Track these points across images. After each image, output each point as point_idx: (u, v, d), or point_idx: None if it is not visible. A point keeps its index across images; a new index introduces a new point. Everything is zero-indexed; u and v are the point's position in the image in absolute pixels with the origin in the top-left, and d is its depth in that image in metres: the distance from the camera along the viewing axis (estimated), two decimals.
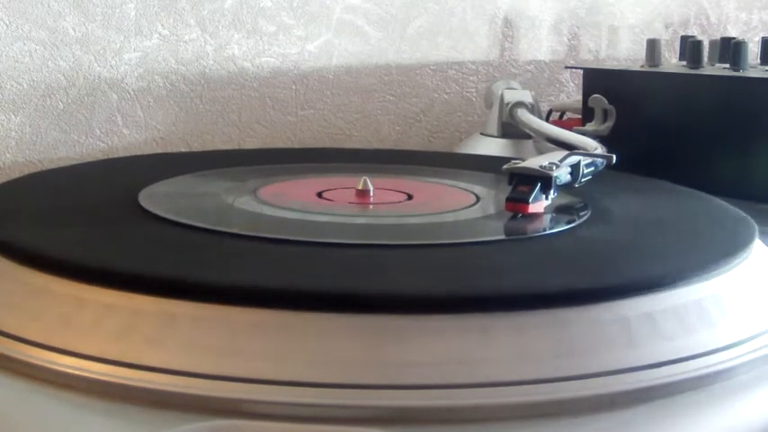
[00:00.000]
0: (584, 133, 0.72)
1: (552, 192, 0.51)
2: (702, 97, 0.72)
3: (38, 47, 0.75)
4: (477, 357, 0.35)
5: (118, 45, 0.78)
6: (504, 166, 0.52)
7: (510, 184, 0.51)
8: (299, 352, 0.34)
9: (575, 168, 0.54)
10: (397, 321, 0.35)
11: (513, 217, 0.49)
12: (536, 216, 0.50)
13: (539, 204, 0.50)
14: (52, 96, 0.77)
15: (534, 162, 0.52)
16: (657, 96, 0.75)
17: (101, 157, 0.78)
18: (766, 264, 0.46)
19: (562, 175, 0.52)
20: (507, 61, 0.96)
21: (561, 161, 0.53)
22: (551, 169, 0.51)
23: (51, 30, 0.76)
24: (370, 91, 0.89)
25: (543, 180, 0.50)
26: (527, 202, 0.49)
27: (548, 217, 0.50)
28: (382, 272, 0.40)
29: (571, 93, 0.99)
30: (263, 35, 0.84)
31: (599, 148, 0.61)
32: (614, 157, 0.57)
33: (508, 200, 0.50)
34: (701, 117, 0.71)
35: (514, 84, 0.86)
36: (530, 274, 0.41)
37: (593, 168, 0.56)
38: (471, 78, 0.94)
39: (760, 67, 0.74)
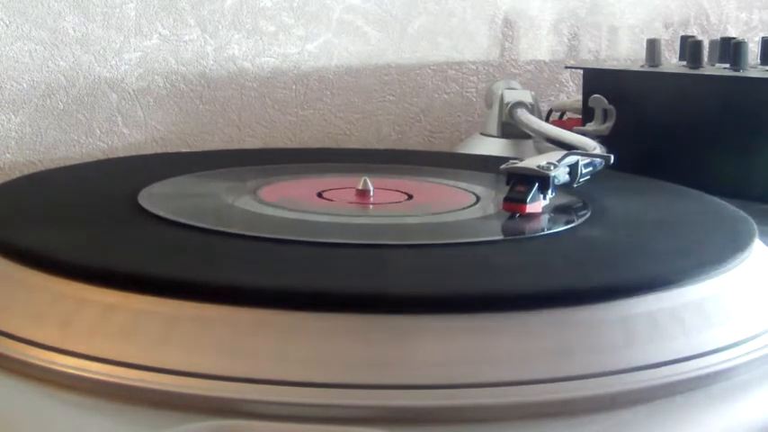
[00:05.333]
0: (584, 133, 0.72)
1: (550, 192, 0.51)
2: (702, 97, 0.72)
3: (38, 47, 0.75)
4: (478, 357, 0.35)
5: (118, 45, 0.78)
6: (502, 166, 0.52)
7: (508, 184, 0.51)
8: (299, 352, 0.34)
9: (573, 168, 0.54)
10: (397, 321, 0.35)
11: (512, 217, 0.49)
12: (535, 216, 0.50)
13: (536, 204, 0.50)
14: (52, 96, 0.77)
15: (532, 162, 0.52)
16: (657, 96, 0.75)
17: (101, 157, 0.78)
18: (766, 264, 0.46)
19: (560, 174, 0.52)
20: (507, 61, 0.96)
21: (559, 161, 0.53)
22: (549, 169, 0.51)
23: (51, 30, 0.76)
24: (370, 91, 0.89)
25: (541, 180, 0.50)
26: (525, 202, 0.49)
27: (547, 217, 0.50)
28: (382, 272, 0.40)
29: (571, 93, 0.99)
30: (263, 35, 0.84)
31: (598, 148, 0.61)
32: (612, 157, 0.57)
33: (506, 200, 0.50)
34: (701, 117, 0.71)
35: (514, 84, 0.86)
36: (530, 274, 0.41)
37: (591, 168, 0.56)
38: (471, 78, 0.94)
39: (760, 67, 0.74)
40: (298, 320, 0.35)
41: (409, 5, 0.90)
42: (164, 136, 0.81)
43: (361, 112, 0.89)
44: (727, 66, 0.73)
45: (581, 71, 0.83)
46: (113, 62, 0.78)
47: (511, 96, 0.82)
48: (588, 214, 0.50)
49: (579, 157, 0.55)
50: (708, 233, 0.49)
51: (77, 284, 0.38)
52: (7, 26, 0.74)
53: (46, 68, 0.76)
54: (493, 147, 0.81)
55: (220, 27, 0.82)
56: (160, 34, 0.80)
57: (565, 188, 0.54)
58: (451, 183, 0.60)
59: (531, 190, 0.50)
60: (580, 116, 0.81)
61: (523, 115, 0.80)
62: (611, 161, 0.57)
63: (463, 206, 0.54)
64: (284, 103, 0.86)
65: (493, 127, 0.82)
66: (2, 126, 0.75)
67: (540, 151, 0.76)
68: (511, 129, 0.81)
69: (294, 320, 0.35)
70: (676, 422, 0.34)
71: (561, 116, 0.89)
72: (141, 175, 0.57)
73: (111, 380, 0.34)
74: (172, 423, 0.33)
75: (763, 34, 0.90)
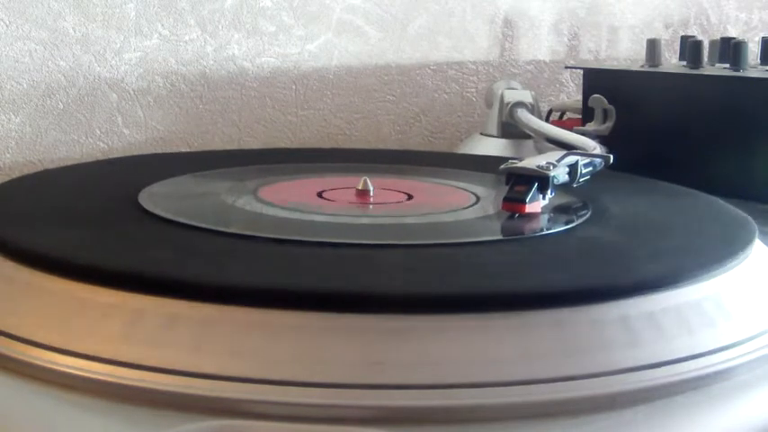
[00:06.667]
0: (584, 133, 0.72)
1: (549, 192, 0.51)
2: (702, 97, 0.72)
3: (38, 47, 0.75)
4: (478, 357, 0.35)
5: (118, 45, 0.78)
6: (501, 166, 0.52)
7: (507, 184, 0.51)
8: (299, 352, 0.34)
9: (572, 168, 0.54)
10: (396, 321, 0.35)
11: (511, 217, 0.49)
12: (534, 216, 0.50)
13: (536, 204, 0.50)
14: (52, 96, 0.77)
15: (531, 162, 0.52)
16: (657, 96, 0.75)
17: (101, 157, 0.78)
18: (766, 264, 0.46)
19: (559, 174, 0.52)
20: (507, 61, 0.96)
21: (558, 161, 0.53)
22: (548, 169, 0.51)
23: (51, 30, 0.76)
24: (370, 91, 0.89)
25: (540, 180, 0.50)
26: (524, 202, 0.49)
27: (547, 217, 0.50)
28: (382, 272, 0.40)
29: (571, 93, 0.99)
30: (263, 35, 0.84)
31: (597, 148, 0.61)
32: (611, 156, 0.57)
33: (505, 200, 0.50)
34: (701, 117, 0.71)
35: (515, 84, 0.86)
36: (530, 274, 0.41)
37: (591, 168, 0.56)
38: (471, 78, 0.94)
39: (760, 67, 0.74)
40: (298, 320, 0.35)
41: (409, 5, 0.90)
42: (164, 136, 0.81)
43: (361, 112, 0.89)
44: (727, 66, 0.73)
45: (581, 71, 0.83)
46: (113, 62, 0.78)
47: (511, 96, 0.82)
48: (588, 214, 0.50)
49: (579, 157, 0.55)
50: (708, 233, 0.49)
51: (77, 284, 0.38)
52: (7, 26, 0.74)
53: (46, 68, 0.76)
54: (493, 147, 0.81)
55: (220, 27, 0.82)
56: (160, 34, 0.80)
57: (565, 188, 0.54)
58: (451, 183, 0.60)
59: (531, 190, 0.50)
60: (580, 116, 0.81)
61: (523, 115, 0.80)
62: (611, 161, 0.57)
63: (463, 206, 0.54)
64: (284, 103, 0.86)
65: (493, 127, 0.82)
66: (2, 126, 0.75)
67: (540, 151, 0.76)
68: (511, 129, 0.81)
69: (294, 320, 0.35)
70: (676, 422, 0.34)
71: (561, 116, 0.89)
72: (141, 175, 0.57)
73: (111, 380, 0.34)
74: (172, 423, 0.33)
75: (763, 34, 0.90)
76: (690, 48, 0.76)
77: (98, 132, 0.79)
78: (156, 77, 0.80)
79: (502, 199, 0.50)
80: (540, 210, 0.50)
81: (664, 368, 0.36)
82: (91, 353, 0.35)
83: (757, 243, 0.47)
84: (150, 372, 0.34)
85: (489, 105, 0.84)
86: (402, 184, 0.59)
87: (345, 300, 0.36)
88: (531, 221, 0.49)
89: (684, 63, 0.77)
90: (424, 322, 0.35)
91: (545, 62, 0.98)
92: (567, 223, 0.49)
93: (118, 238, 0.45)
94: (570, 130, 0.73)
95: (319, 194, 0.55)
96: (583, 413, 0.34)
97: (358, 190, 0.55)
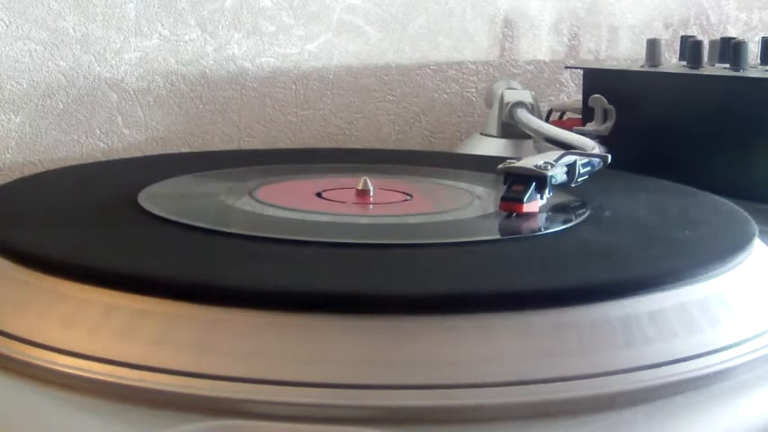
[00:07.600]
0: (584, 133, 0.72)
1: (547, 191, 0.51)
2: (702, 97, 0.72)
3: (38, 47, 0.75)
4: (478, 357, 0.35)
5: (118, 45, 0.78)
6: (500, 166, 0.52)
7: (505, 183, 0.51)
8: (299, 352, 0.34)
9: (571, 168, 0.54)
10: (397, 321, 0.35)
11: (509, 216, 0.49)
12: (532, 215, 0.50)
13: (533, 204, 0.50)
14: (52, 96, 0.77)
15: (529, 161, 0.52)
16: (657, 96, 0.75)
17: (101, 157, 0.78)
18: (766, 264, 0.46)
19: (557, 174, 0.52)
20: (507, 61, 0.96)
21: (556, 161, 0.52)
22: (546, 169, 0.51)
23: (51, 30, 0.76)
24: (370, 91, 0.89)
25: (538, 179, 0.50)
26: (521, 202, 0.49)
27: (546, 216, 0.50)
28: (382, 272, 0.40)
29: (571, 93, 0.99)
30: (263, 35, 0.84)
31: (596, 148, 0.61)
32: (609, 156, 0.57)
33: (503, 199, 0.50)
34: (701, 117, 0.71)
35: (515, 84, 0.86)
36: (529, 274, 0.41)
37: (589, 168, 0.56)
38: (471, 78, 0.94)
39: (760, 67, 0.74)
40: (298, 320, 0.35)
41: (409, 5, 0.90)
42: (164, 136, 0.81)
43: (361, 112, 0.89)
44: (727, 66, 0.73)
45: (581, 71, 0.83)
46: (113, 62, 0.78)
47: (511, 96, 0.82)
48: (587, 214, 0.50)
49: (577, 157, 0.55)
50: (708, 233, 0.49)
51: (77, 284, 0.38)
52: (7, 26, 0.74)
53: (46, 68, 0.76)
54: (493, 147, 0.81)
55: (220, 27, 0.82)
56: (160, 34, 0.80)
57: (563, 188, 0.54)
58: (451, 183, 0.60)
59: (528, 189, 0.49)
60: (580, 116, 0.81)
61: (523, 115, 0.80)
62: (609, 161, 0.57)
63: (463, 206, 0.54)
64: (284, 103, 0.86)
65: (493, 127, 0.82)
66: (2, 126, 0.75)
67: (539, 151, 0.75)
68: (511, 129, 0.81)
69: (294, 320, 0.35)
70: (676, 422, 0.34)
71: (561, 116, 0.89)
72: (141, 175, 0.57)
73: (111, 380, 0.34)
74: (172, 423, 0.33)
75: (763, 34, 0.90)
76: (690, 48, 0.76)
77: (98, 132, 0.79)
78: (156, 77, 0.80)
79: (500, 198, 0.50)
80: (537, 209, 0.50)
81: (664, 368, 0.36)
82: (91, 353, 0.35)
83: (757, 243, 0.47)
84: (150, 372, 0.34)
85: (489, 105, 0.84)
86: (402, 184, 0.59)
87: (345, 300, 0.36)
88: (528, 221, 0.49)
89: (684, 63, 0.77)
90: (424, 322, 0.35)
91: (545, 62, 0.98)
92: (565, 222, 0.49)
93: (117, 239, 0.45)
94: (570, 130, 0.73)
95: (319, 194, 0.55)
96: (583, 413, 0.34)
97: (358, 190, 0.55)
